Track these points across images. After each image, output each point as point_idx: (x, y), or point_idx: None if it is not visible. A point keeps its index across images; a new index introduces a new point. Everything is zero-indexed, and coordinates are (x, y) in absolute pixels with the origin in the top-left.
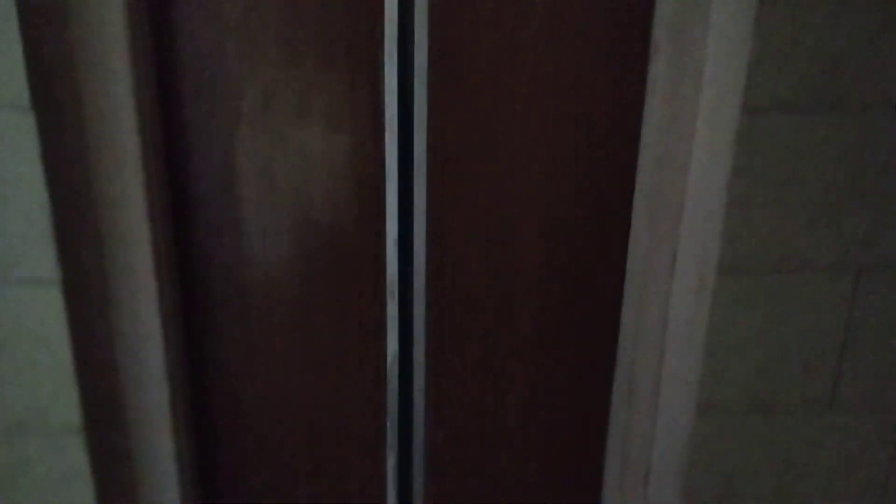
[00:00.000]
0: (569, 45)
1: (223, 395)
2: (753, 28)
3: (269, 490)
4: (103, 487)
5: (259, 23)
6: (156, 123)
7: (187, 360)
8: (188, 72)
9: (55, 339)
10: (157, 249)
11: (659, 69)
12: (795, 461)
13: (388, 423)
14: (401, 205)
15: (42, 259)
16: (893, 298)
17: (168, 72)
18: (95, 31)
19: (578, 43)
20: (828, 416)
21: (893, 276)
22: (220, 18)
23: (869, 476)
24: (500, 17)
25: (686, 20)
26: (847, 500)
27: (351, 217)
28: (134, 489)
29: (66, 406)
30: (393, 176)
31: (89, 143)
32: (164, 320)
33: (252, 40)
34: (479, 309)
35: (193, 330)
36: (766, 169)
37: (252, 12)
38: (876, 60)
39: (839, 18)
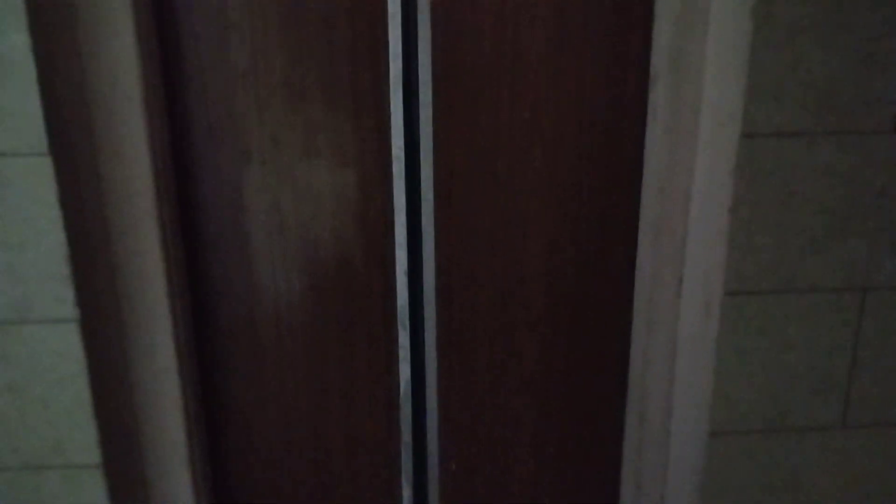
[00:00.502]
0: (570, 76)
1: (237, 427)
2: (749, 56)
3: None
4: None
5: (266, 67)
6: (168, 164)
7: (201, 393)
8: (199, 114)
9: (73, 378)
10: (171, 286)
11: (659, 97)
12: (807, 482)
13: (402, 452)
14: (409, 236)
15: (60, 299)
16: None
17: (179, 115)
18: (111, 81)
19: (579, 73)
20: (839, 436)
21: None
22: (229, 64)
23: (882, 495)
24: (501, 53)
25: (683, 49)
26: None
27: (361, 250)
28: None
29: (84, 442)
30: (401, 209)
31: (104, 186)
32: (178, 355)
33: (260, 83)
34: (489, 336)
35: (207, 364)
36: (766, 193)
37: (260, 58)
38: (869, 86)
39: (832, 47)
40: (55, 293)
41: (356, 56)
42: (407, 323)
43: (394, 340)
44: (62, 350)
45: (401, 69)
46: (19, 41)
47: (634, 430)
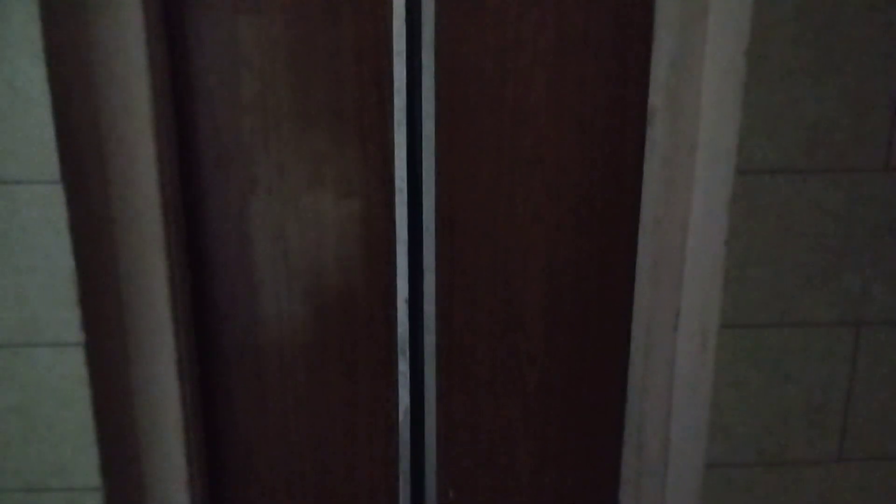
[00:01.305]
0: (570, 112)
1: (238, 451)
2: (743, 96)
3: None
4: None
5: (274, 99)
6: (176, 192)
7: (203, 417)
8: (207, 144)
9: (77, 401)
10: (175, 311)
11: (657, 134)
12: None
13: (400, 479)
14: (411, 266)
15: (67, 323)
16: (895, 353)
17: (188, 144)
18: (123, 111)
19: (580, 109)
20: (835, 470)
21: (893, 331)
22: (238, 96)
23: None
24: (503, 85)
25: (680, 87)
26: None
27: (363, 278)
28: None
29: (86, 465)
30: (403, 239)
31: (113, 213)
32: (181, 379)
33: (268, 114)
34: (488, 364)
35: (209, 388)
36: (761, 228)
37: (267, 90)
38: (859, 125)
39: (824, 87)
40: (62, 317)
41: (362, 89)
42: (407, 350)
43: (394, 367)
44: (67, 373)
45: (405, 103)
46: (36, 74)
47: (632, 461)
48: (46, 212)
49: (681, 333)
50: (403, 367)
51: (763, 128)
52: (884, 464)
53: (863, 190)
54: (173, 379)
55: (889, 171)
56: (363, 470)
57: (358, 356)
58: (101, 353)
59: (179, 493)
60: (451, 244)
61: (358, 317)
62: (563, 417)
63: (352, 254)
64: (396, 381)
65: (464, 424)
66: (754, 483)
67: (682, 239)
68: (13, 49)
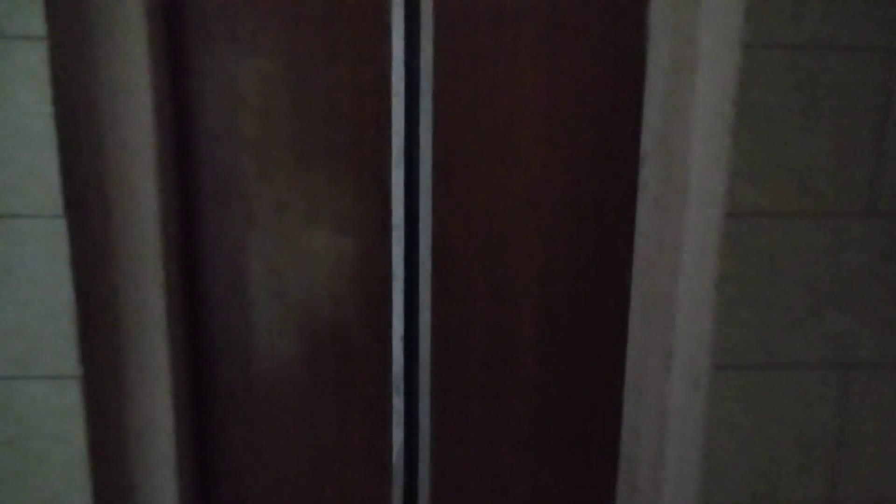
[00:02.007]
0: (563, 153)
1: (230, 487)
2: (732, 140)
3: None
4: None
5: (273, 138)
6: (176, 228)
7: (196, 451)
8: (207, 181)
9: (72, 435)
10: (172, 346)
11: (648, 176)
12: None
13: None
14: (406, 303)
15: (64, 356)
16: (884, 396)
17: (188, 180)
18: (126, 148)
19: (572, 151)
20: None
21: (882, 375)
22: (238, 134)
23: None
24: (498, 127)
25: (671, 130)
26: None
27: (358, 315)
28: None
29: (79, 500)
30: (399, 276)
31: (113, 247)
32: (176, 413)
33: (266, 153)
34: (482, 403)
35: (202, 423)
36: (751, 270)
37: (266, 129)
38: (844, 170)
39: (810, 133)
40: (59, 350)
41: (360, 129)
42: (402, 388)
43: (388, 405)
44: (63, 406)
45: (402, 143)
46: (42, 111)
47: (625, 501)
48: (48, 245)
49: (673, 375)
50: (398, 404)
51: (751, 172)
52: None
53: (848, 233)
54: (168, 414)
55: (873, 214)
56: None
57: (352, 393)
58: (97, 388)
59: None
60: (446, 282)
61: (353, 354)
62: (556, 457)
63: (348, 291)
64: (391, 418)
65: (457, 464)
66: None
67: (674, 281)
68: (20, 86)
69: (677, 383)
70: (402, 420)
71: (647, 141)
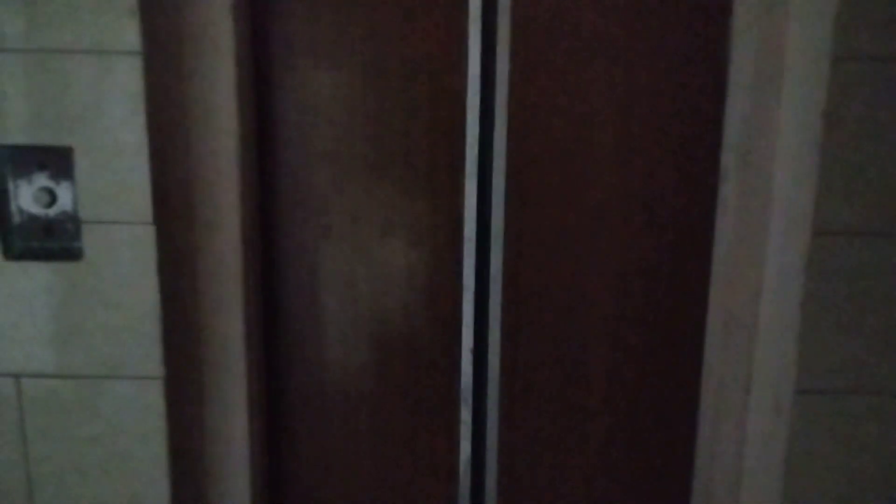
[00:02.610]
0: (638, 170)
1: (299, 493)
2: (820, 157)
3: None
4: None
5: (348, 151)
6: (255, 237)
7: (268, 457)
8: (284, 192)
9: (153, 434)
10: (249, 351)
11: (729, 193)
12: None
13: None
14: (476, 315)
15: (148, 357)
16: None
17: (267, 192)
18: (211, 162)
19: (648, 168)
20: None
21: None
22: (315, 146)
23: None
24: (572, 141)
25: (754, 147)
26: None
27: (428, 326)
28: None
29: (156, 498)
30: (470, 288)
31: (197, 254)
32: (251, 417)
33: (341, 165)
34: (551, 419)
35: (275, 428)
36: (838, 291)
37: (341, 142)
38: None
39: None
40: (144, 351)
41: (435, 142)
42: (470, 400)
43: (456, 417)
44: (146, 406)
45: (476, 156)
46: (136, 124)
47: None
48: (138, 251)
49: (753, 399)
50: (466, 416)
51: (840, 189)
52: None
53: None
54: (243, 417)
55: None
56: None
57: (421, 404)
58: (177, 388)
59: None
60: (516, 295)
61: (422, 364)
62: (627, 479)
63: (418, 302)
64: (458, 430)
65: (525, 478)
66: None
67: (755, 301)
68: (117, 101)
69: (757, 409)
70: (469, 432)
71: (728, 157)
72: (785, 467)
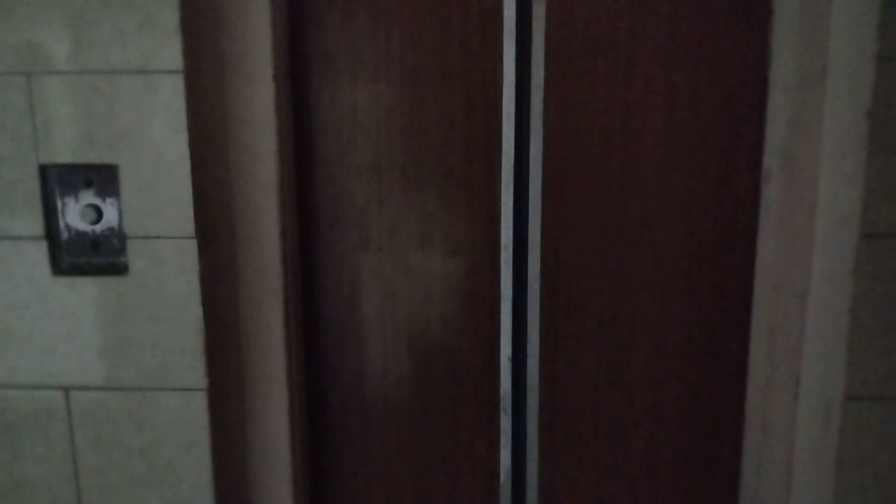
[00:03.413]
0: (679, 175)
1: (342, 500)
2: (866, 156)
3: None
4: None
5: (387, 163)
6: (295, 249)
7: (310, 467)
8: (324, 204)
9: (198, 444)
10: (289, 363)
11: (772, 196)
12: None
13: None
14: (515, 324)
15: (193, 369)
16: None
17: (306, 204)
18: (252, 176)
19: (689, 172)
20: None
21: None
22: (354, 159)
23: None
24: (610, 147)
25: (798, 148)
26: None
27: (467, 336)
28: None
29: None
30: (508, 297)
31: (238, 266)
32: (292, 427)
33: (379, 177)
34: (592, 428)
35: (316, 438)
36: (888, 295)
37: (381, 153)
38: None
39: None
40: (188, 363)
41: (471, 152)
42: (509, 409)
43: (496, 426)
44: (190, 417)
45: (513, 166)
46: (179, 141)
47: None
48: (181, 264)
49: (801, 406)
50: (506, 425)
51: (888, 190)
52: None
53: None
54: (285, 428)
55: None
56: None
57: (460, 413)
58: (221, 400)
59: None
60: (554, 303)
61: (461, 374)
62: (671, 489)
63: (457, 311)
64: (498, 439)
65: (566, 489)
66: None
67: (801, 305)
68: (160, 119)
69: (805, 416)
70: (509, 442)
71: (770, 159)
72: (834, 475)
